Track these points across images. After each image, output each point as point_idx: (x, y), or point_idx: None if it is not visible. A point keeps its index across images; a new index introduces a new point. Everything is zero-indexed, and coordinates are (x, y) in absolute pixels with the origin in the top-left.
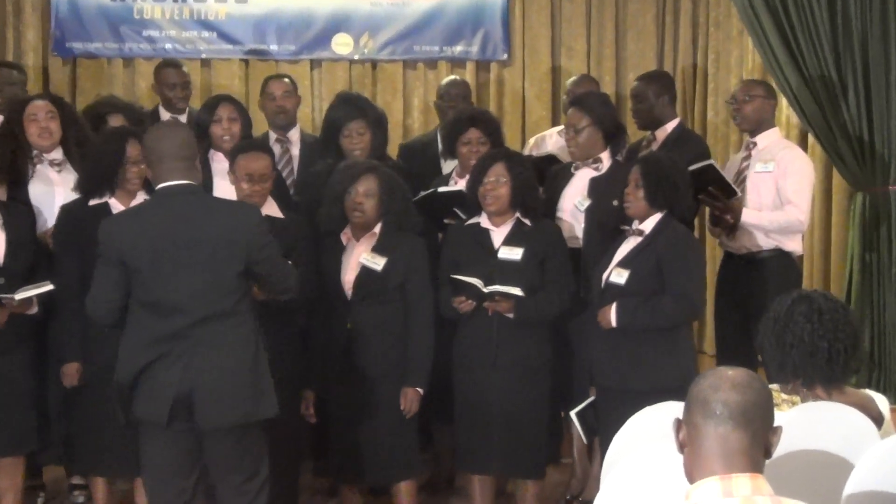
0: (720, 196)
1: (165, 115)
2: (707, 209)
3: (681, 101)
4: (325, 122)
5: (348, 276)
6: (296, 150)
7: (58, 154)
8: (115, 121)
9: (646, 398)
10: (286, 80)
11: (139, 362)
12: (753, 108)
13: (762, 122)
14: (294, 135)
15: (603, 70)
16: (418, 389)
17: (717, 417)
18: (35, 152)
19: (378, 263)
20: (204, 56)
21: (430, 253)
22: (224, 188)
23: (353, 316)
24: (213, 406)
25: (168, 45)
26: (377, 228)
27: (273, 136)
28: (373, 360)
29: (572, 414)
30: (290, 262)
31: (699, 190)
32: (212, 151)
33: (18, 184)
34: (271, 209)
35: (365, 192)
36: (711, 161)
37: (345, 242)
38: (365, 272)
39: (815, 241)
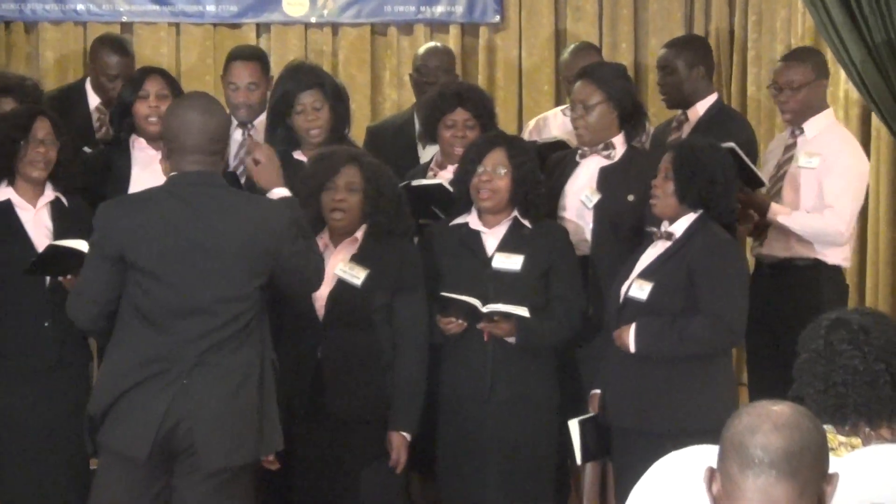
0: (742, 185)
1: (93, 98)
2: None
3: (714, 73)
4: (270, 100)
5: (321, 292)
6: (260, 138)
7: None
8: (4, 105)
9: (671, 442)
10: (255, 63)
11: (124, 384)
12: (802, 97)
13: (812, 107)
14: (260, 121)
15: (618, 35)
16: (405, 435)
17: (757, 466)
18: None
19: (357, 276)
20: (124, 20)
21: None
22: (145, 181)
23: (324, 342)
24: (212, 445)
25: (80, 6)
26: (360, 233)
27: (234, 121)
28: (348, 398)
29: (572, 423)
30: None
31: None
32: (133, 136)
33: None
34: None
35: (347, 187)
36: (732, 144)
37: (321, 249)
38: (341, 287)
39: (882, 248)
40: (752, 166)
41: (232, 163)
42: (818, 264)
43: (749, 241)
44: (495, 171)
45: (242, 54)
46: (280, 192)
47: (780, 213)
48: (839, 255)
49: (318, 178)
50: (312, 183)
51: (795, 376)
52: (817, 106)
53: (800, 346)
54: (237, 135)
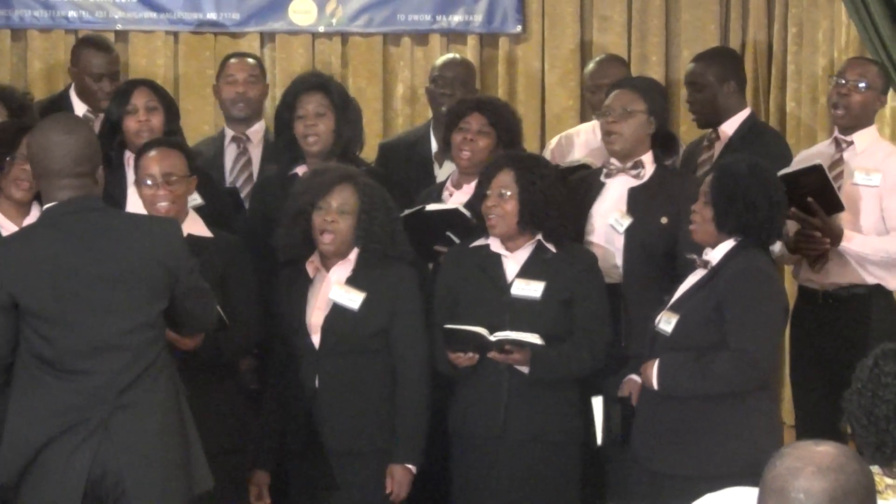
0: (820, 211)
1: (79, 106)
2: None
3: (751, 89)
4: (277, 110)
5: (315, 318)
6: (256, 152)
7: None
8: None
9: (702, 486)
10: (251, 60)
11: (34, 441)
12: (864, 100)
13: (866, 118)
14: (256, 132)
15: (648, 47)
16: (409, 467)
17: None
18: None
19: (355, 300)
20: (119, 28)
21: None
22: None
23: (321, 371)
24: (143, 490)
25: (72, 13)
26: (353, 254)
27: (229, 133)
28: (348, 429)
29: (595, 401)
30: (209, 288)
31: (790, 201)
32: (127, 153)
33: None
34: (194, 226)
35: (339, 208)
36: (819, 162)
37: (311, 274)
38: (337, 312)
39: None
40: (835, 190)
41: (228, 178)
42: (880, 291)
43: (788, 267)
44: (501, 195)
45: (238, 54)
46: None
47: (852, 239)
48: None
49: (308, 197)
50: (302, 201)
51: (845, 405)
52: (869, 118)
53: (854, 376)
54: (232, 150)
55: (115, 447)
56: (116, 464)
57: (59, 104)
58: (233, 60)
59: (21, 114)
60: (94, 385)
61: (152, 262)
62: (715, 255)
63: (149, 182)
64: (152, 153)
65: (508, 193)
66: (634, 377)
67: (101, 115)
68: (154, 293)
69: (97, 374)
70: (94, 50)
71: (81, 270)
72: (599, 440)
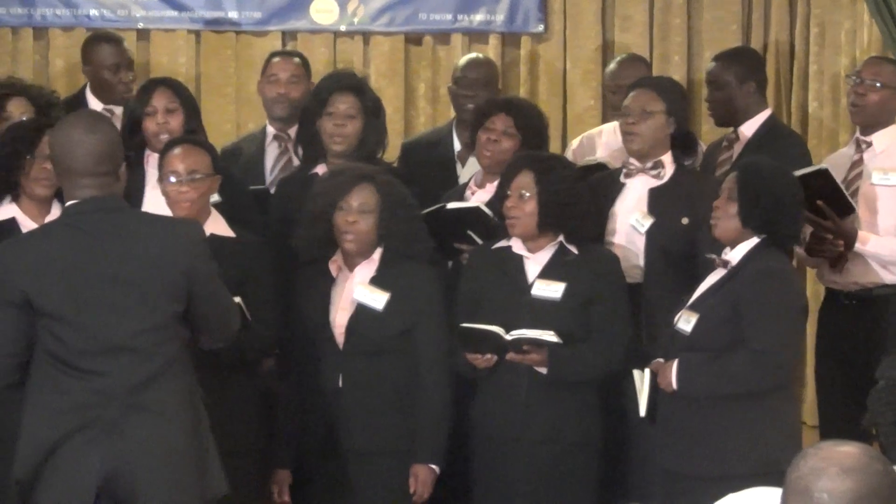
0: (831, 214)
1: (95, 103)
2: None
3: (772, 89)
4: (305, 103)
5: (339, 318)
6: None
7: None
8: (16, 107)
9: (722, 487)
10: (296, 60)
11: (49, 437)
12: (881, 99)
13: (883, 117)
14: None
15: (669, 46)
16: (432, 467)
17: None
18: None
19: (379, 301)
20: (141, 26)
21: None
22: (159, 200)
23: (344, 370)
24: (155, 491)
25: (93, 12)
26: (376, 254)
27: (271, 131)
28: (369, 429)
29: (638, 373)
30: (236, 300)
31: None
32: (147, 152)
33: None
34: (216, 226)
35: (359, 208)
36: (825, 166)
37: (334, 273)
38: (361, 312)
39: None
40: (844, 192)
41: (269, 177)
42: None
43: (809, 269)
44: (520, 196)
45: (282, 52)
46: None
47: (868, 241)
48: None
49: (328, 198)
50: (322, 202)
51: (869, 405)
52: (888, 118)
53: (878, 373)
54: (273, 148)
55: (127, 447)
56: (129, 463)
57: (74, 104)
58: (276, 59)
59: (48, 111)
60: (105, 385)
61: (169, 264)
62: (735, 255)
63: (172, 179)
64: (177, 150)
65: (528, 194)
66: (661, 360)
67: (122, 109)
68: (169, 295)
69: (109, 374)
70: (104, 44)
71: (95, 270)
72: (642, 411)
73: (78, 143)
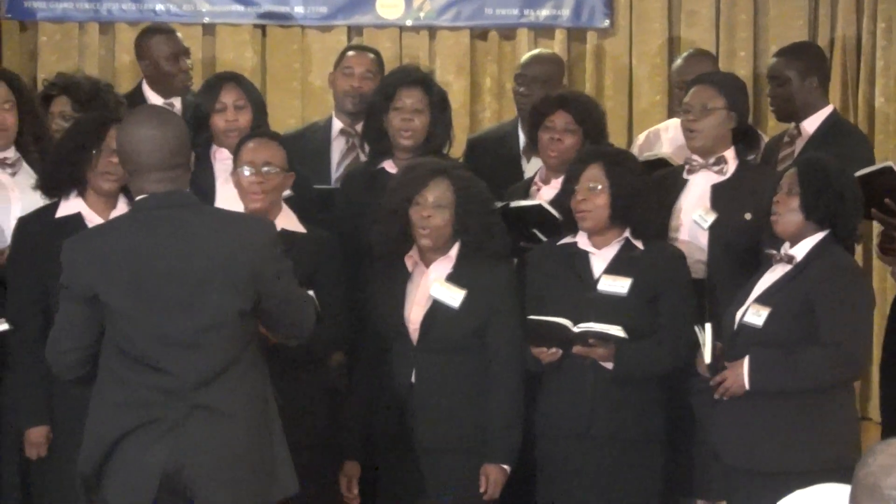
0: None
1: (154, 98)
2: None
3: (839, 84)
4: (372, 97)
5: (414, 314)
6: (366, 148)
7: (10, 152)
8: (57, 106)
9: (784, 483)
10: (370, 55)
11: (113, 432)
12: None
13: None
14: None
15: (736, 42)
16: (504, 467)
17: None
18: None
19: (455, 298)
20: (206, 21)
21: None
22: (229, 195)
23: (418, 366)
24: (214, 489)
25: (159, 6)
26: (453, 251)
27: (337, 125)
28: (441, 426)
29: (699, 327)
30: (309, 295)
31: (868, 202)
32: (214, 147)
33: None
34: (288, 221)
35: (435, 203)
36: (889, 163)
37: (410, 268)
38: (437, 309)
39: None
40: None
41: (334, 172)
42: None
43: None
44: (592, 189)
45: (358, 47)
46: None
47: None
48: None
49: (404, 193)
50: (398, 197)
51: None
52: None
53: None
54: (340, 143)
55: (189, 444)
56: (193, 462)
57: (133, 100)
58: (351, 53)
59: (88, 105)
60: (170, 382)
61: (237, 262)
62: (799, 250)
63: (247, 170)
64: (252, 144)
65: (599, 187)
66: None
67: (174, 101)
68: (236, 293)
69: (173, 370)
70: (157, 35)
71: (162, 266)
72: (707, 359)
73: (149, 138)
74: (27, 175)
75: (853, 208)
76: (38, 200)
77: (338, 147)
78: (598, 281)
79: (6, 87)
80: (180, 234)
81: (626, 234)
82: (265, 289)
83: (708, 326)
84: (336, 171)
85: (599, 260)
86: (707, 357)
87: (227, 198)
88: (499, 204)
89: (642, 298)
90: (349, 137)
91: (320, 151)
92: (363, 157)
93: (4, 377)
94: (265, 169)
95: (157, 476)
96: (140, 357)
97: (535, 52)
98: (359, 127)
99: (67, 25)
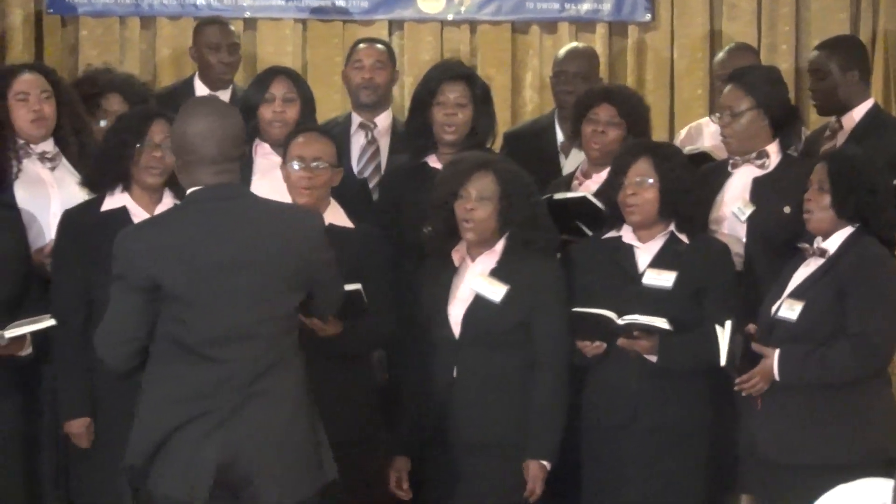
0: None
1: (202, 90)
2: None
3: (881, 78)
4: (416, 91)
5: (456, 309)
6: (385, 141)
7: (49, 146)
8: (110, 104)
9: (823, 477)
10: (380, 46)
11: (166, 425)
12: None
13: None
14: (383, 120)
15: (777, 36)
16: (544, 463)
17: None
18: (20, 142)
19: (497, 293)
20: (248, 15)
21: None
22: (264, 189)
23: (459, 361)
24: (271, 477)
25: (200, 1)
26: (499, 245)
27: (356, 119)
28: (483, 421)
29: (720, 325)
30: (357, 286)
31: None
32: (256, 141)
33: (1, 184)
34: (335, 216)
35: (478, 195)
36: None
37: (457, 263)
38: (479, 304)
39: None
40: None
41: (355, 167)
42: None
43: None
44: (641, 183)
45: (367, 39)
46: None
47: None
48: None
49: (448, 186)
50: (442, 192)
51: None
52: None
53: None
54: (360, 137)
55: (246, 435)
56: (247, 452)
57: (183, 90)
58: (361, 46)
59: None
60: (226, 373)
61: (291, 253)
62: (831, 243)
63: (296, 164)
64: (301, 139)
65: (650, 181)
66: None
67: (220, 93)
68: (291, 284)
69: (230, 362)
70: (209, 25)
71: (219, 257)
72: (723, 360)
73: (210, 130)
74: (66, 170)
75: (885, 201)
76: (76, 196)
77: (357, 142)
78: (642, 275)
79: (43, 78)
80: (237, 225)
81: (671, 227)
82: (318, 278)
83: (728, 324)
84: (357, 165)
85: (644, 254)
86: (722, 359)
87: (262, 192)
88: (542, 197)
89: (687, 292)
90: (368, 131)
91: (340, 146)
92: (384, 153)
93: (45, 371)
94: (314, 164)
95: (213, 470)
96: (199, 348)
97: (571, 46)
98: (377, 120)
99: (108, 20)
